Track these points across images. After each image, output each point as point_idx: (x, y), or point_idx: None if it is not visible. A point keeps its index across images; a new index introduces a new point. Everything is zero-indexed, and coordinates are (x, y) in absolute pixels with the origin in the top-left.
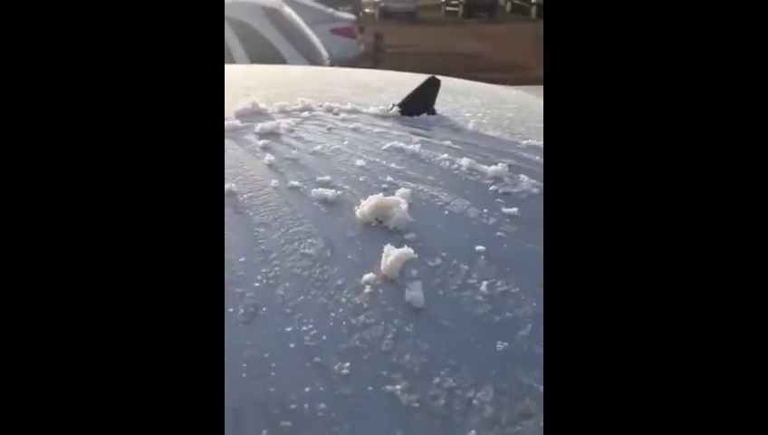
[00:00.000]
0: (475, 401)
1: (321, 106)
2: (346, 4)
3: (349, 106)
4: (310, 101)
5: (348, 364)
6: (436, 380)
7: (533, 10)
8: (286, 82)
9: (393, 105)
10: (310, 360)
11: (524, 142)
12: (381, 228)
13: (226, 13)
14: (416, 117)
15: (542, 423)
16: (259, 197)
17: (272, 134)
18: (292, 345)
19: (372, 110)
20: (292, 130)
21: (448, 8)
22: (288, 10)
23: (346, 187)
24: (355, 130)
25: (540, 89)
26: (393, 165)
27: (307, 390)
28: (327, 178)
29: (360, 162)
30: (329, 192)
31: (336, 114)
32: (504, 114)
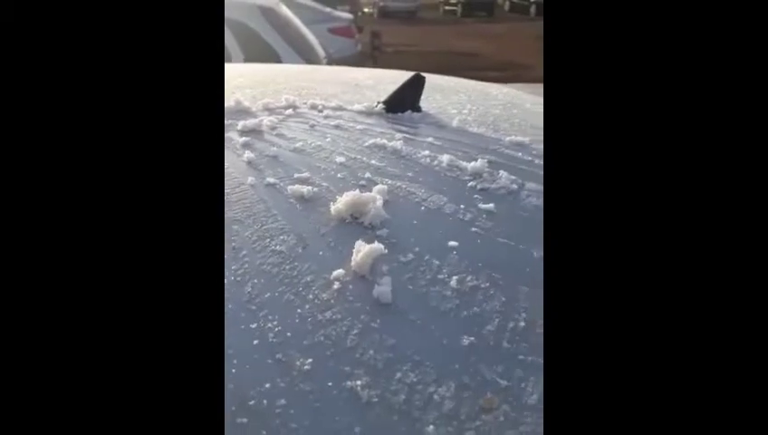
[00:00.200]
0: (435, 396)
1: (305, 103)
2: (345, 4)
3: (333, 103)
4: (294, 98)
5: (310, 360)
6: (398, 375)
7: (532, 9)
8: (274, 81)
9: (378, 102)
10: (272, 356)
11: (508, 139)
12: (356, 225)
13: None
14: (400, 114)
15: (502, 418)
16: (235, 194)
17: (253, 131)
18: (255, 342)
19: (357, 107)
20: (274, 128)
21: (447, 7)
22: (285, 9)
23: (324, 183)
24: (338, 127)
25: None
26: (373, 161)
27: (267, 386)
28: (305, 174)
29: (340, 159)
30: (305, 189)
31: (320, 111)
32: (490, 111)
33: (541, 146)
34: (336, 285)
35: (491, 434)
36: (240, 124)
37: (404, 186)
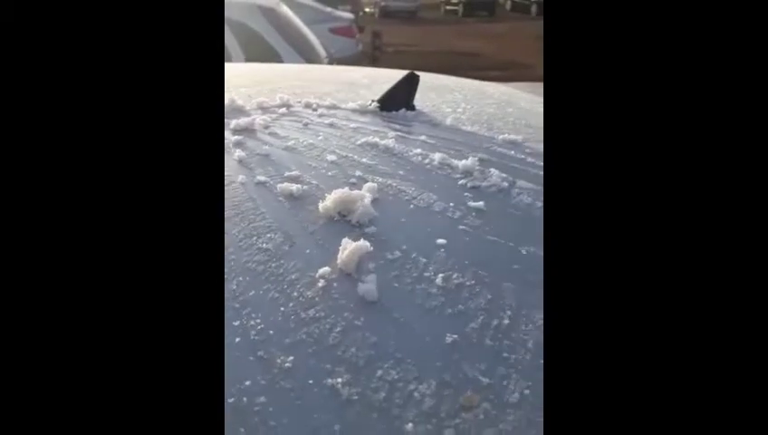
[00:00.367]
0: (416, 394)
1: (300, 102)
2: (346, 4)
3: (328, 102)
4: (289, 97)
5: (291, 358)
6: (379, 373)
7: (533, 8)
8: (270, 80)
9: (372, 101)
10: (254, 354)
11: (501, 137)
12: (343, 223)
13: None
14: (394, 112)
15: (482, 416)
16: (225, 192)
17: (246, 130)
18: (237, 340)
19: (351, 105)
20: (267, 126)
21: (448, 7)
22: (285, 9)
23: (314, 181)
24: (331, 125)
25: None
26: (365, 160)
27: (248, 383)
28: (295, 173)
29: (331, 157)
30: (294, 187)
31: (315, 110)
32: (484, 109)
33: (534, 144)
34: (321, 283)
35: (470, 432)
36: (233, 123)
37: (394, 184)
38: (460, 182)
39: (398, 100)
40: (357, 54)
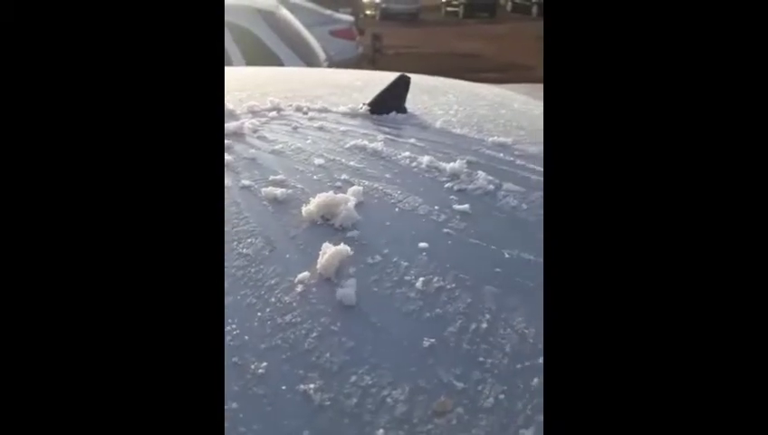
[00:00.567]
0: (389, 400)
1: (291, 106)
2: (347, 6)
3: (319, 105)
4: (279, 100)
5: (265, 364)
6: (353, 378)
7: (534, 9)
8: (262, 83)
9: (363, 104)
10: (228, 360)
11: (491, 139)
12: (326, 227)
13: None
14: (385, 115)
15: (454, 421)
16: None
17: (234, 134)
18: None
19: (342, 109)
20: (256, 130)
21: (449, 9)
22: (285, 12)
23: (299, 185)
24: (320, 128)
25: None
26: (352, 163)
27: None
28: (281, 177)
29: (318, 160)
30: (278, 191)
31: (305, 113)
32: (476, 112)
33: (524, 146)
34: (299, 288)
35: None
36: None
37: (380, 187)
38: (446, 185)
39: (388, 102)
40: (357, 57)
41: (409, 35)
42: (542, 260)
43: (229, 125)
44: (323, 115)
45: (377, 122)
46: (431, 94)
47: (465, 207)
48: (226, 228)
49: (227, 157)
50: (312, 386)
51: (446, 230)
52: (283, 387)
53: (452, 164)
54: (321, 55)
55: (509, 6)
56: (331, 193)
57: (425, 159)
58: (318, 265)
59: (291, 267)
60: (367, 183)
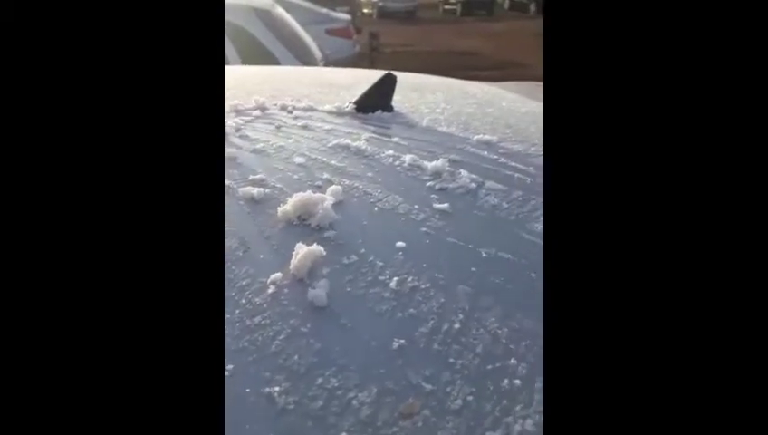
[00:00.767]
0: (354, 402)
1: (276, 104)
2: (344, 5)
3: (304, 104)
4: (264, 99)
5: (231, 367)
6: (320, 380)
7: (532, 6)
8: (249, 81)
9: (349, 102)
10: None
11: (476, 138)
12: (303, 227)
13: None
14: (371, 114)
15: (420, 423)
16: None
17: None
18: None
19: (327, 107)
20: (238, 129)
21: (446, 6)
22: (281, 11)
23: (278, 185)
24: (305, 127)
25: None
26: (334, 162)
27: None
28: (260, 176)
29: (299, 160)
30: (255, 190)
31: (290, 112)
32: (463, 110)
33: (508, 144)
34: (271, 289)
35: None
36: None
37: (361, 186)
38: (428, 184)
39: (375, 101)
40: (354, 56)
41: (407, 34)
42: (518, 259)
43: None
44: (308, 114)
45: (362, 121)
46: (420, 92)
47: (445, 205)
48: None
49: None
50: (276, 389)
51: (423, 229)
52: (248, 390)
53: (434, 163)
54: (318, 54)
55: (506, 4)
56: (308, 193)
57: (407, 158)
58: (291, 266)
59: (264, 268)
60: (347, 182)
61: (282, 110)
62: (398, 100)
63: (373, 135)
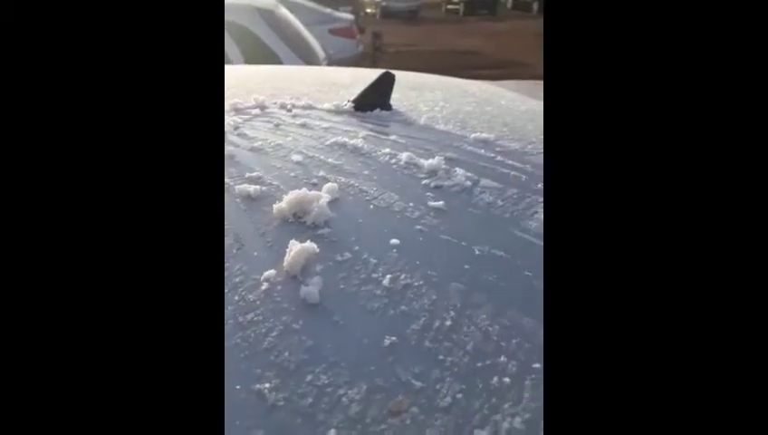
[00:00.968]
0: (344, 399)
1: (275, 103)
2: (346, 5)
3: (303, 102)
4: (264, 98)
5: None
6: (309, 377)
7: (535, 6)
8: (249, 81)
9: (348, 101)
10: None
11: (473, 136)
12: (298, 224)
13: None
14: (369, 112)
15: (409, 421)
16: None
17: None
18: None
19: (326, 106)
20: (237, 127)
21: (449, 6)
22: (284, 11)
23: (275, 182)
24: (303, 125)
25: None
26: (331, 160)
27: None
28: (257, 174)
29: (296, 157)
30: (252, 188)
31: (289, 111)
32: (462, 108)
33: (505, 142)
34: (264, 286)
35: None
36: None
37: (357, 184)
38: (424, 182)
39: (373, 99)
40: (357, 55)
41: (410, 33)
42: (511, 257)
43: None
44: (307, 112)
45: (360, 119)
46: (418, 91)
47: (440, 203)
48: None
49: None
50: (267, 385)
51: (418, 227)
52: (238, 386)
53: (430, 160)
54: (321, 54)
55: (509, 3)
56: (303, 190)
57: (404, 156)
58: (284, 263)
59: (257, 265)
60: (344, 180)
61: (281, 108)
62: (396, 98)
63: (371, 133)
